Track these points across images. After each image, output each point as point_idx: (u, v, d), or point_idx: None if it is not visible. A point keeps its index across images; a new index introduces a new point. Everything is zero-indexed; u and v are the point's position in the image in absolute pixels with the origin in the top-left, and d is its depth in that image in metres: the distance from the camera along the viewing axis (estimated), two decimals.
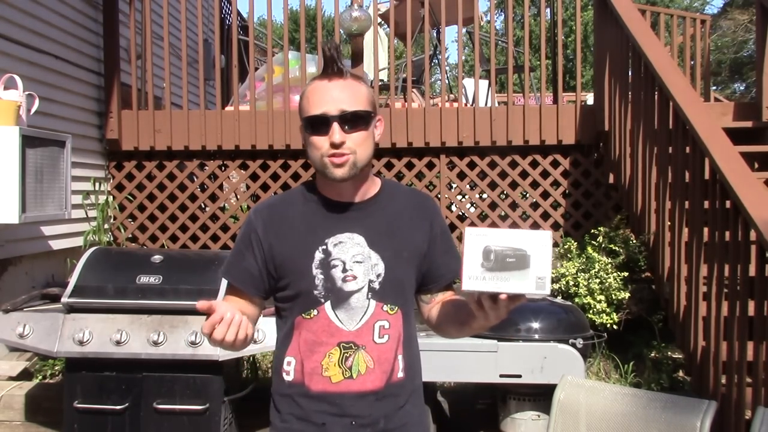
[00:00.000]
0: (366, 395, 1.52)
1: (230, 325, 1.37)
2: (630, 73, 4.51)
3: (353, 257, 1.52)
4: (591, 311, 4.08)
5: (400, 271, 1.55)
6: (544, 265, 1.31)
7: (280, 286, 1.57)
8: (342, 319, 1.52)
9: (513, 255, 1.31)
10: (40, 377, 4.04)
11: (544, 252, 1.31)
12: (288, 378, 1.56)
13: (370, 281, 1.53)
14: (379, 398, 1.53)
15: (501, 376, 3.10)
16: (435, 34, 6.60)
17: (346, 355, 1.51)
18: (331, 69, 1.52)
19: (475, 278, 1.32)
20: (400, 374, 1.55)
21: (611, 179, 4.93)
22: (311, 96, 1.53)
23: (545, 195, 5.26)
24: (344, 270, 1.51)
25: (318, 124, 1.50)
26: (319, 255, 1.53)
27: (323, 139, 1.50)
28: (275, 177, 5.28)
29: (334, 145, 1.49)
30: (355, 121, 1.50)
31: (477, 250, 1.32)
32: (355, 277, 1.52)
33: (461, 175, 5.32)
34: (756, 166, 4.73)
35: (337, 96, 1.50)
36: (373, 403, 1.52)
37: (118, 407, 3.02)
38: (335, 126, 1.48)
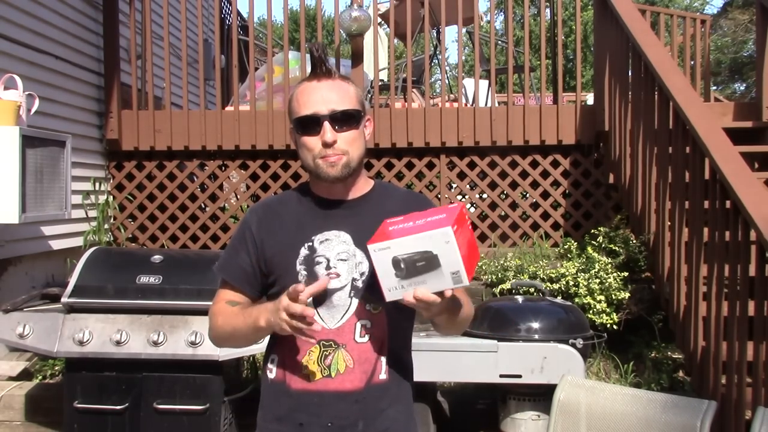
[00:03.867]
0: (345, 395, 1.50)
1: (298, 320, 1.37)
2: (630, 73, 4.51)
3: (338, 255, 1.53)
4: (591, 311, 4.08)
5: None
6: (454, 259, 1.32)
7: (269, 283, 1.58)
8: (323, 316, 1.51)
9: (421, 258, 1.33)
10: (40, 377, 4.04)
11: (450, 248, 1.31)
12: (271, 375, 1.56)
13: (354, 279, 1.52)
14: (358, 399, 1.50)
15: (501, 376, 3.10)
16: (435, 34, 6.60)
17: (325, 353, 1.50)
18: (319, 69, 1.54)
19: (394, 289, 1.35)
20: (383, 376, 1.53)
21: (611, 179, 4.93)
22: (300, 97, 1.54)
23: (545, 195, 5.26)
24: (328, 267, 1.52)
25: (309, 125, 1.52)
26: (304, 251, 1.54)
27: (315, 140, 1.51)
28: (275, 177, 5.28)
29: (326, 145, 1.50)
30: (345, 120, 1.52)
31: (386, 263, 1.34)
32: (338, 275, 1.52)
33: (461, 175, 5.32)
34: (756, 166, 4.73)
35: (326, 96, 1.51)
36: (352, 404, 1.50)
37: (118, 407, 3.02)
38: (326, 125, 1.50)
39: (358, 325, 1.51)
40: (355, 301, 1.52)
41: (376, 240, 1.36)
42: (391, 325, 1.54)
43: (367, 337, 1.51)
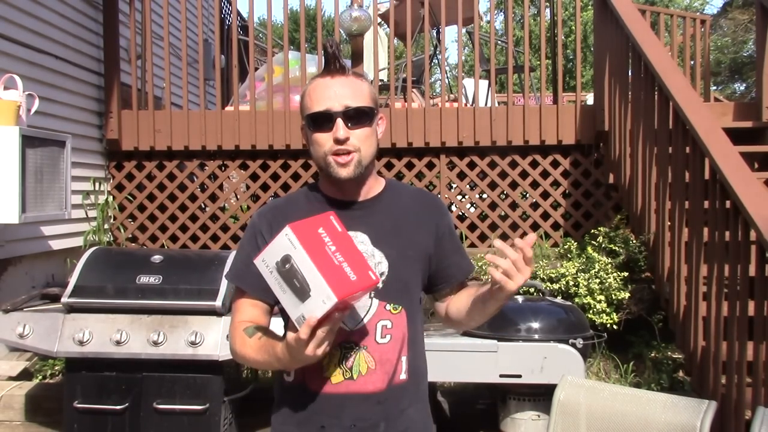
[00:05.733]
0: (367, 397, 1.48)
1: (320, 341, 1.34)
2: (630, 73, 4.51)
3: None
4: (591, 311, 4.08)
5: (404, 270, 1.52)
6: (313, 312, 1.31)
7: None
8: (343, 318, 1.48)
9: (300, 283, 1.32)
10: (40, 377, 4.04)
11: (322, 306, 1.30)
12: (288, 378, 1.53)
13: None
14: (380, 401, 1.49)
15: (501, 376, 3.10)
16: (435, 34, 6.60)
17: (346, 355, 1.48)
18: (333, 66, 1.50)
19: (266, 265, 1.35)
20: (403, 376, 1.52)
21: (611, 179, 4.93)
22: (313, 93, 1.51)
23: (545, 195, 5.26)
24: None
25: (321, 121, 1.48)
26: None
27: (326, 136, 1.48)
28: (275, 177, 5.28)
29: (338, 141, 1.47)
30: (358, 117, 1.49)
31: (281, 250, 1.33)
32: None
33: (461, 175, 5.32)
34: (756, 166, 4.73)
35: (339, 92, 1.48)
36: (374, 405, 1.48)
37: (118, 407, 3.02)
38: (339, 122, 1.47)
39: (379, 325, 1.49)
40: (376, 302, 1.50)
41: (297, 229, 1.33)
42: (410, 325, 1.53)
43: (388, 338, 1.49)
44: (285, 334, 1.39)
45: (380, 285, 1.49)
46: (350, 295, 1.32)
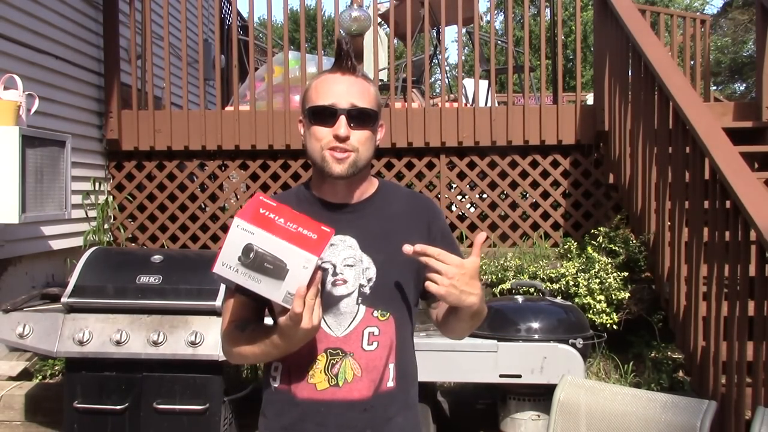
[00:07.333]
0: (352, 405, 1.45)
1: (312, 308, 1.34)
2: (630, 73, 4.51)
3: (344, 260, 1.47)
4: (591, 311, 4.08)
5: (393, 275, 1.49)
6: (299, 283, 1.30)
7: None
8: (330, 324, 1.46)
9: (272, 263, 1.31)
10: (40, 377, 4.04)
11: (304, 273, 1.30)
12: (275, 384, 1.51)
13: (361, 285, 1.47)
14: (366, 408, 1.46)
15: (501, 376, 3.10)
16: (435, 34, 6.60)
17: (332, 362, 1.45)
18: (345, 63, 1.48)
19: (228, 267, 1.33)
20: (390, 384, 1.49)
21: (611, 179, 4.93)
22: (320, 86, 1.49)
23: (545, 195, 5.26)
24: (334, 273, 1.47)
25: (324, 115, 1.46)
26: None
27: (326, 131, 1.46)
28: (275, 177, 5.28)
29: (338, 138, 1.45)
30: (362, 118, 1.47)
31: (239, 243, 1.31)
32: (345, 281, 1.47)
33: (461, 176, 5.32)
34: (756, 166, 4.73)
35: (348, 90, 1.47)
36: (360, 413, 1.46)
37: (118, 407, 3.02)
38: (342, 119, 1.45)
39: (366, 332, 1.47)
40: (363, 308, 1.47)
41: (246, 216, 1.33)
42: (399, 332, 1.50)
43: (375, 345, 1.47)
44: (275, 323, 1.39)
45: (367, 291, 1.48)
46: (321, 252, 1.33)
